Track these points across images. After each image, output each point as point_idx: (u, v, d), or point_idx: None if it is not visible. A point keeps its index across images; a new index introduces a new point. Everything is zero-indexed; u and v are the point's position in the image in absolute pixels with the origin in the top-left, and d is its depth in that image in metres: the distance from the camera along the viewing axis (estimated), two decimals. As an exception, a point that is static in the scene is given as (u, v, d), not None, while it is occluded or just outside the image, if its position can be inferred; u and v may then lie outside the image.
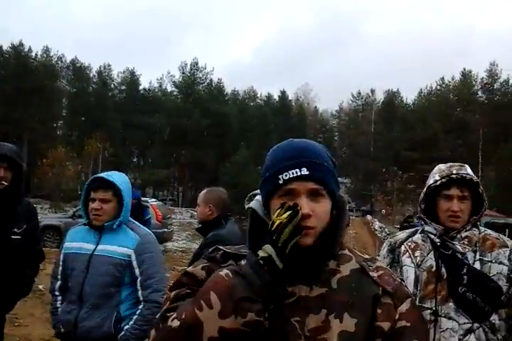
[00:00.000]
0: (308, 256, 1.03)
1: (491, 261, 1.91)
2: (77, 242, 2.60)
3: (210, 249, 1.16)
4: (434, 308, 1.90)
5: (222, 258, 1.11)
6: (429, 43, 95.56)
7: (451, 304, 1.88)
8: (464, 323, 1.85)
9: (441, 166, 2.06)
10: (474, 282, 1.86)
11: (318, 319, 1.02)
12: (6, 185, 2.76)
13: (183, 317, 0.97)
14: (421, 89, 58.93)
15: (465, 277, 1.87)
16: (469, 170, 2.00)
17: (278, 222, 0.98)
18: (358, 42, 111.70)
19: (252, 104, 61.33)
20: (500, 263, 1.90)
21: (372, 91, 60.93)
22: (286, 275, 1.01)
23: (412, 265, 1.99)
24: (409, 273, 1.98)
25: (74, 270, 2.54)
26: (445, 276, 1.91)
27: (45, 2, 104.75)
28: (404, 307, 1.05)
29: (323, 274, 1.06)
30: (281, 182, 1.04)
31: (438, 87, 56.65)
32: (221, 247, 1.14)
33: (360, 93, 62.50)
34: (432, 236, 2.00)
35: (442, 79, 55.85)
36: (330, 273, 1.07)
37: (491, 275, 1.88)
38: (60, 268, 2.64)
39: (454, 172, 1.97)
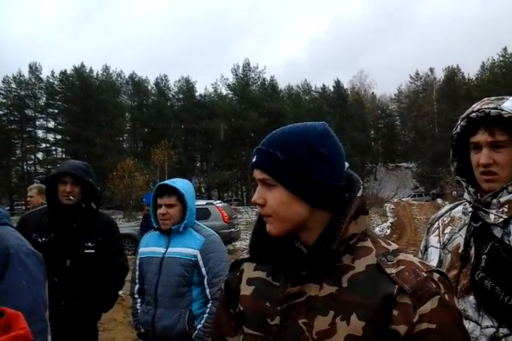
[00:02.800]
0: (310, 253, 0.99)
1: None
2: (150, 247, 2.74)
3: None
4: None
5: None
6: (486, 14, 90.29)
7: (471, 298, 1.35)
8: (487, 327, 1.30)
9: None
10: (494, 265, 1.30)
11: (326, 321, 0.95)
12: (74, 199, 2.84)
13: None
14: (483, 63, 55.84)
15: (483, 258, 1.33)
16: (507, 104, 1.33)
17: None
18: (412, 23, 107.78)
19: (306, 97, 60.97)
20: None
21: (431, 70, 58.61)
22: (295, 273, 1.00)
23: (438, 245, 1.51)
24: (434, 256, 1.51)
25: (148, 273, 2.69)
26: (472, 259, 1.37)
27: (96, 23, 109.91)
28: (428, 306, 0.91)
29: (335, 271, 0.98)
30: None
31: (501, 59, 53.38)
32: None
33: (418, 74, 60.28)
34: (467, 205, 1.47)
35: (505, 49, 52.56)
36: (343, 269, 0.98)
37: None
38: (137, 272, 2.79)
39: (476, 108, 1.36)
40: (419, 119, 55.43)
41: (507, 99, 1.35)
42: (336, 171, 1.00)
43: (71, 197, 2.83)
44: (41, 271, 1.52)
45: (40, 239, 2.79)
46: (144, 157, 47.83)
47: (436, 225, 1.57)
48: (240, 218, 21.54)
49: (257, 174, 1.01)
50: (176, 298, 2.60)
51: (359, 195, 1.01)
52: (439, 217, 1.59)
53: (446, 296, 0.94)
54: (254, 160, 1.02)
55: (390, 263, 0.97)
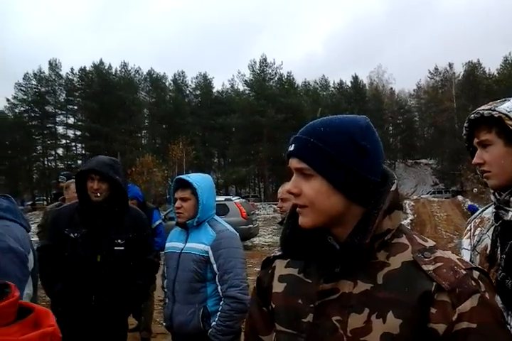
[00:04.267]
0: (343, 248, 0.96)
1: None
2: (172, 242, 2.77)
3: None
4: None
5: None
6: (509, 7, 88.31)
7: (498, 298, 1.27)
8: None
9: None
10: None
11: (361, 319, 0.93)
12: (101, 196, 2.85)
13: None
14: (505, 57, 54.77)
15: (503, 257, 1.33)
16: (506, 105, 1.34)
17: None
18: (431, 18, 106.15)
19: (324, 93, 60.65)
20: None
21: (451, 65, 57.70)
22: (328, 270, 0.98)
23: (469, 247, 1.51)
24: (465, 258, 1.42)
25: (169, 268, 2.72)
26: (498, 259, 1.36)
27: (115, 20, 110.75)
28: (468, 305, 0.88)
29: (369, 268, 0.96)
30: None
31: (525, 52, 52.31)
32: None
33: (437, 69, 59.45)
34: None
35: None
36: (377, 266, 0.96)
37: None
38: (164, 267, 2.82)
39: (475, 110, 1.41)
40: (438, 115, 54.66)
41: (508, 101, 1.36)
42: (375, 166, 0.98)
43: (98, 194, 2.84)
44: (19, 268, 1.47)
45: (72, 235, 2.82)
46: (162, 153, 48.19)
47: (468, 227, 1.58)
48: (257, 214, 21.64)
49: (294, 163, 0.98)
50: (190, 294, 2.59)
51: (393, 189, 0.98)
52: (472, 219, 1.59)
53: (486, 295, 0.90)
54: (291, 148, 0.99)
55: (427, 259, 0.94)
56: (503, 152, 1.35)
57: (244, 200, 17.68)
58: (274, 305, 1.09)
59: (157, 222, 5.19)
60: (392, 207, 0.97)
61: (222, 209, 12.85)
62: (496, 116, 1.32)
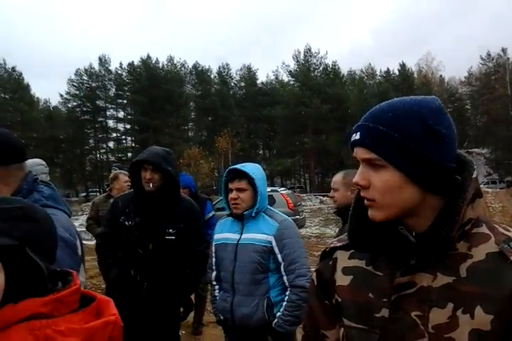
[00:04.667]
0: (423, 240, 0.90)
1: None
2: (224, 233, 2.70)
3: None
4: None
5: None
6: None
7: None
8: None
9: None
10: None
11: (444, 314, 0.87)
12: (154, 186, 2.88)
13: None
14: None
15: None
16: None
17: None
18: (483, 1, 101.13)
19: (370, 82, 59.35)
20: None
21: (504, 50, 54.72)
22: (403, 262, 0.92)
23: None
24: None
25: (224, 260, 2.65)
26: None
27: (161, 15, 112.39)
28: None
29: (449, 260, 0.90)
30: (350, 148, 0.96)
31: None
32: None
33: (489, 54, 56.73)
34: None
35: None
36: (459, 258, 0.90)
37: None
38: (214, 259, 2.75)
39: None
40: (491, 103, 52.29)
41: None
42: (450, 152, 0.91)
43: (151, 185, 2.88)
44: (70, 257, 1.49)
45: (127, 223, 2.91)
46: (208, 145, 48.86)
47: None
48: (304, 205, 21.57)
49: (362, 153, 0.92)
50: (253, 286, 2.55)
51: (474, 176, 0.92)
52: None
53: None
54: (357, 137, 0.92)
55: None
56: None
57: (290, 191, 17.62)
58: (339, 299, 1.04)
59: (210, 214, 5.07)
60: (474, 196, 0.91)
61: (269, 201, 12.78)
62: None
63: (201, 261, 3.00)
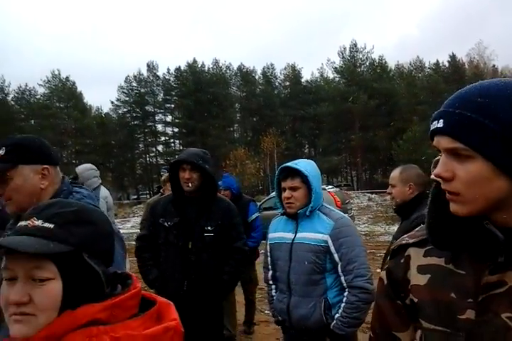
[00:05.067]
0: (510, 236, 0.84)
1: None
2: (279, 232, 2.65)
3: None
4: None
5: None
6: None
7: None
8: None
9: None
10: None
11: None
12: (193, 185, 2.95)
13: None
14: None
15: None
16: None
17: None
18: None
19: (419, 75, 57.64)
20: None
21: None
22: (490, 260, 0.85)
23: None
24: None
25: (279, 259, 2.60)
26: None
27: (206, 18, 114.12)
28: None
29: None
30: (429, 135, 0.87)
31: None
32: None
33: (548, 40, 53.68)
34: None
35: None
36: None
37: None
38: (269, 258, 2.72)
39: None
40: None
41: None
42: None
43: (189, 184, 2.94)
44: (121, 248, 1.61)
45: (166, 223, 2.99)
46: (253, 145, 49.09)
47: None
48: (351, 203, 21.24)
49: (445, 143, 0.83)
50: (310, 286, 2.48)
51: None
52: None
53: None
54: (439, 125, 0.84)
55: None
56: None
57: (338, 189, 17.39)
58: (416, 300, 0.97)
59: (253, 216, 4.92)
60: None
61: (317, 199, 12.74)
62: None
63: (239, 257, 3.05)
